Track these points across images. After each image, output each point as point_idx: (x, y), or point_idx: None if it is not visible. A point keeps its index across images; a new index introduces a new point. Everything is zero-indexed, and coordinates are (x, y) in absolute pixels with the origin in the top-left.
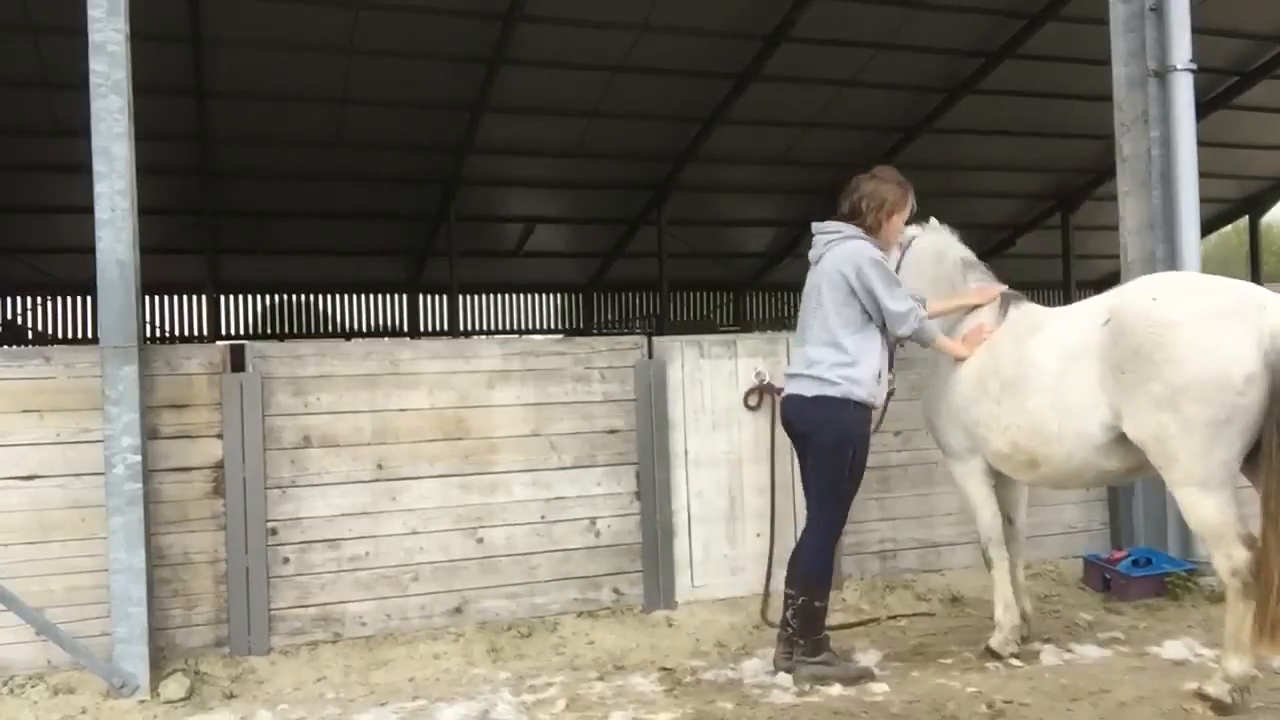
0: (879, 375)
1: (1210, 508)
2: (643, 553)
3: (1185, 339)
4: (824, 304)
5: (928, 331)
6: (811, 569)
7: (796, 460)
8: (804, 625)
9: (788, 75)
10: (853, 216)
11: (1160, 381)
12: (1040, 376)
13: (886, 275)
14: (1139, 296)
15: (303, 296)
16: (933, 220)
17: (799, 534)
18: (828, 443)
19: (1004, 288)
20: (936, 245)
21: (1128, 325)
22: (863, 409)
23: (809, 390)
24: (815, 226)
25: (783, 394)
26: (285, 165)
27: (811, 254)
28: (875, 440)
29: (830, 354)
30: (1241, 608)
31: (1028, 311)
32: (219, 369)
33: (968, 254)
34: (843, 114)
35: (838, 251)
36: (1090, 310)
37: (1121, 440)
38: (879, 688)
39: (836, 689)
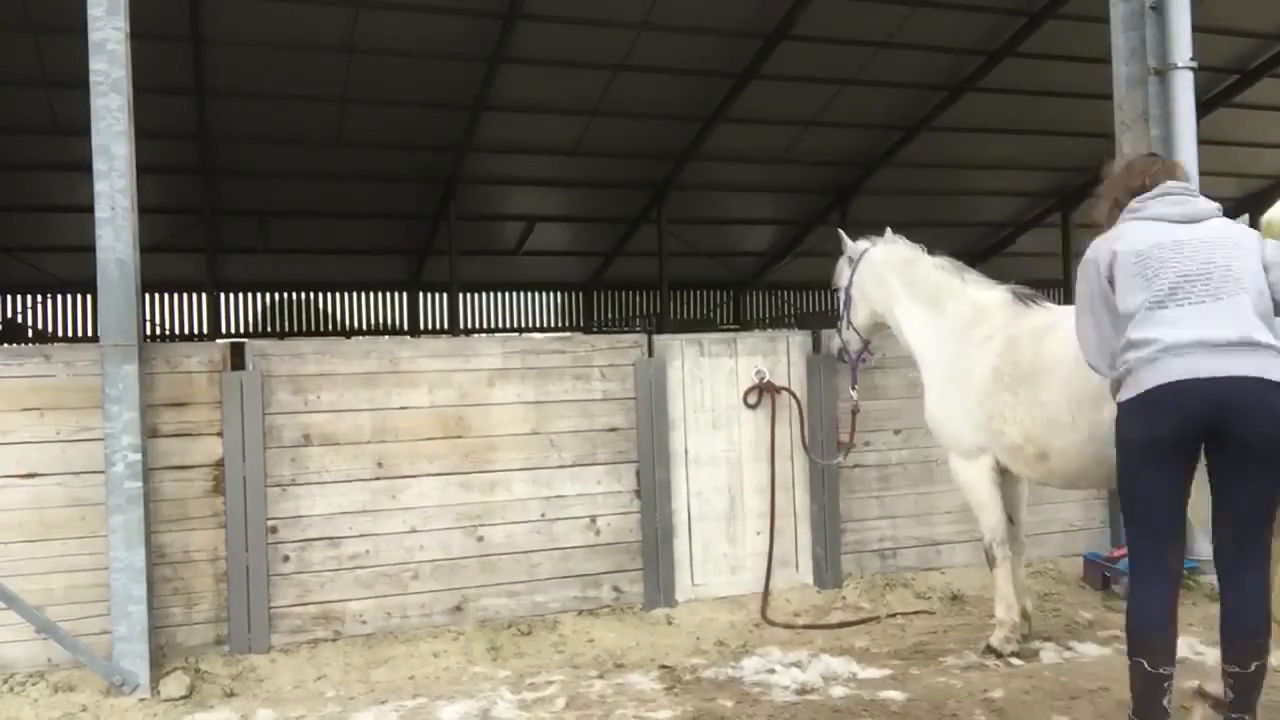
0: None
1: (1208, 501)
2: (643, 551)
3: None
4: (1237, 271)
5: None
6: (1265, 619)
7: (1166, 465)
8: (1251, 696)
9: (788, 74)
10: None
11: None
12: (1055, 369)
13: None
14: None
15: (303, 295)
16: (888, 232)
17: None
18: None
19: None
20: (900, 255)
21: None
22: None
23: (1277, 370)
24: (1175, 185)
25: (1194, 373)
26: (285, 165)
27: (1175, 210)
28: (875, 439)
29: (1268, 323)
30: None
31: (1044, 309)
32: (219, 367)
33: (944, 259)
34: (843, 112)
35: (1230, 223)
36: None
37: None
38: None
39: (839, 690)
